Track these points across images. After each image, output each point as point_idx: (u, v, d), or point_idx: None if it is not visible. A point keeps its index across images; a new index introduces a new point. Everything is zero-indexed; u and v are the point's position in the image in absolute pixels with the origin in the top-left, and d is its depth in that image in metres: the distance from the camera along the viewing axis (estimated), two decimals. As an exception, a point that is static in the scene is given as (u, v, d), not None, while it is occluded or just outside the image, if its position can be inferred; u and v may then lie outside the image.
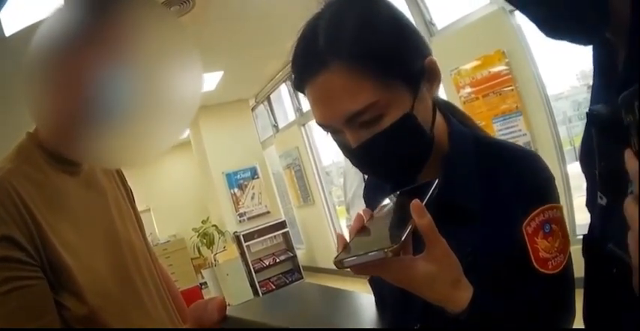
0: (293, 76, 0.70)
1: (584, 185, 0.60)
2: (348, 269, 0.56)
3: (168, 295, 1.10)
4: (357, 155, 0.68)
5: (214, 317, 0.41)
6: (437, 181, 0.62)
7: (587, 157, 0.58)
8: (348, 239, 0.60)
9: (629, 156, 0.34)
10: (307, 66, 0.66)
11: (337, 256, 0.56)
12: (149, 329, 0.97)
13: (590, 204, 0.57)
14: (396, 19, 0.67)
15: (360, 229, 0.61)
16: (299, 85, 0.69)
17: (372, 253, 0.53)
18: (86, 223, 0.95)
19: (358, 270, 0.56)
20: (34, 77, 0.75)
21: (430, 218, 0.55)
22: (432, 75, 0.69)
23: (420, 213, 0.55)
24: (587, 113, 0.58)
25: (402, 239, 0.53)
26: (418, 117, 0.66)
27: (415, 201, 0.56)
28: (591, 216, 0.58)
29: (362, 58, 0.62)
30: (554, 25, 0.47)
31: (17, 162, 0.89)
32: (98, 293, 0.89)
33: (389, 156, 0.67)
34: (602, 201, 0.53)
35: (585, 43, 0.49)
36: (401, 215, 0.59)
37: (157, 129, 0.81)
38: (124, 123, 0.76)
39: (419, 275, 0.55)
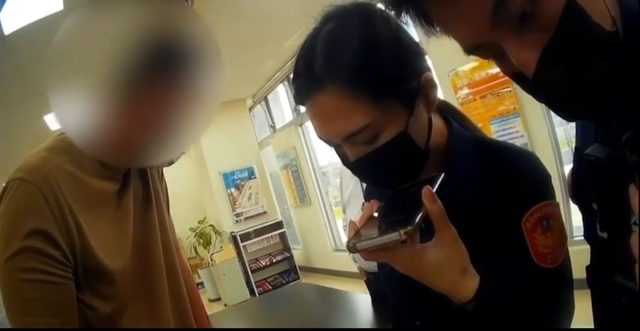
0: (293, 91, 0.72)
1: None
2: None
3: (186, 299, 1.10)
4: (355, 168, 0.70)
5: None
6: (443, 175, 0.64)
7: (581, 192, 0.59)
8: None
9: (633, 192, 0.35)
10: (305, 86, 0.67)
11: (349, 240, 0.57)
12: (154, 330, 0.97)
13: (590, 236, 0.58)
14: (392, 38, 0.66)
15: (370, 218, 0.63)
16: (298, 102, 0.71)
17: (387, 236, 0.53)
18: (120, 228, 0.95)
19: (369, 255, 0.57)
20: (86, 100, 0.72)
21: (441, 204, 0.57)
22: (428, 91, 0.69)
23: (431, 200, 0.57)
24: (576, 155, 0.59)
25: (416, 222, 0.54)
26: (413, 133, 0.66)
27: (426, 188, 0.58)
28: (592, 247, 0.59)
29: (356, 82, 0.63)
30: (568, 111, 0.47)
31: (64, 158, 0.86)
32: (125, 296, 0.90)
33: (385, 170, 0.69)
34: (604, 234, 0.53)
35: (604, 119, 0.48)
36: (410, 204, 0.60)
37: (188, 130, 0.82)
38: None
39: (428, 262, 0.57)
